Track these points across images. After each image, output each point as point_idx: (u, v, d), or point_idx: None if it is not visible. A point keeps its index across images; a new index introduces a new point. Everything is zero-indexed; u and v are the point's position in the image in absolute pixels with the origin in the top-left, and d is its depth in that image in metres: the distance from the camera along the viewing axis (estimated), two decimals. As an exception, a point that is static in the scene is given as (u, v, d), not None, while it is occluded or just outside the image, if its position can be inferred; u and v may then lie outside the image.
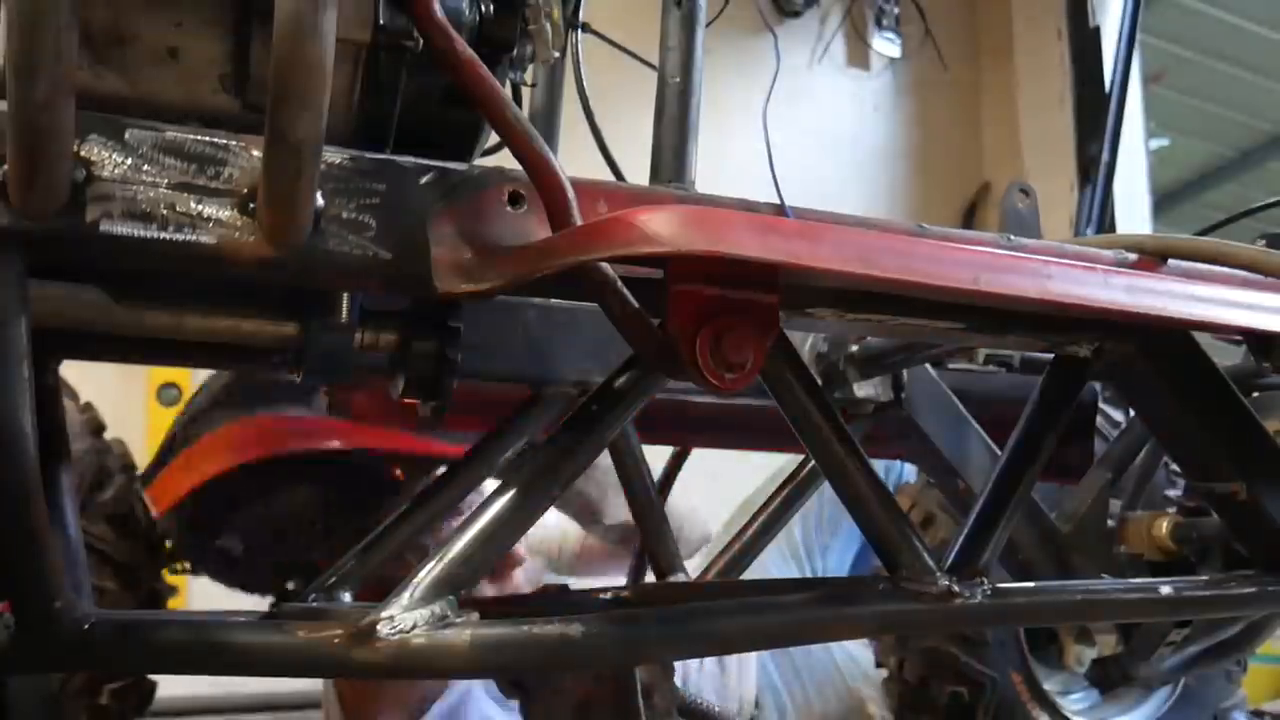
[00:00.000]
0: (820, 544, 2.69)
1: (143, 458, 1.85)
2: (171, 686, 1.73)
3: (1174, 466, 1.79)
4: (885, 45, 4.96)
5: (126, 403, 3.25)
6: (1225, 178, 7.78)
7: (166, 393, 3.40)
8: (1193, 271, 1.11)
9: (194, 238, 0.75)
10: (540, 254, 0.79)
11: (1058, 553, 1.57)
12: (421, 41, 0.82)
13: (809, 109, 4.66)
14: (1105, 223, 2.32)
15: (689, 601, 1.11)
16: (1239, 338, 1.19)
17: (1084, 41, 2.80)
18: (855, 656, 2.56)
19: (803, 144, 4.43)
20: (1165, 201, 7.48)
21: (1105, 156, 2.32)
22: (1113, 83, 2.35)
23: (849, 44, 4.94)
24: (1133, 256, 1.10)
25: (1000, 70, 5.17)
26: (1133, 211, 4.65)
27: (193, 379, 3.40)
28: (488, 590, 1.97)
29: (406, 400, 1.05)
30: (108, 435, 1.70)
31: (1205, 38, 6.15)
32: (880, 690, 2.41)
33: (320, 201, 0.77)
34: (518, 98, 1.11)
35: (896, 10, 4.98)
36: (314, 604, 1.23)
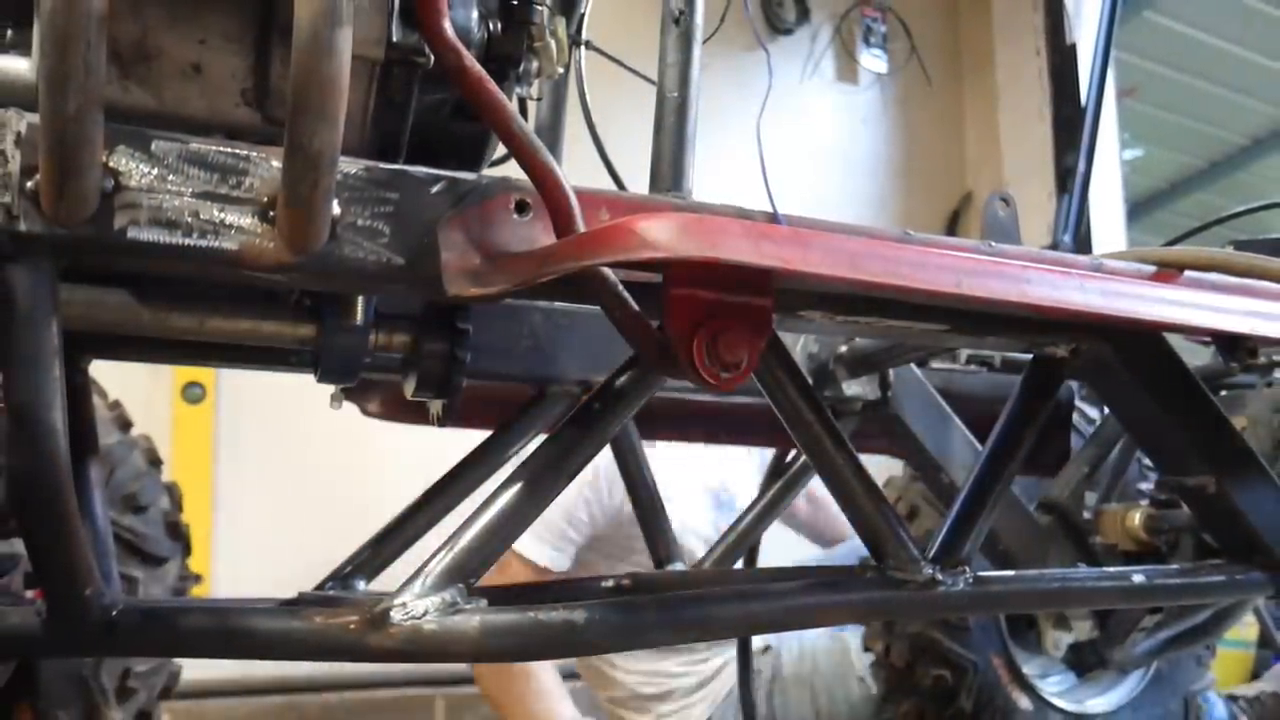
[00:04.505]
0: None
1: (168, 454, 1.85)
2: (190, 669, 1.73)
3: (1147, 461, 1.79)
4: (873, 61, 4.95)
5: (153, 401, 3.25)
6: (1196, 187, 7.78)
7: (191, 391, 3.40)
8: (1167, 277, 1.10)
9: (216, 244, 0.75)
10: (545, 259, 0.79)
11: (1036, 543, 1.58)
12: (432, 58, 0.83)
13: (800, 122, 4.65)
14: (1082, 230, 2.31)
15: (687, 589, 1.11)
16: (1208, 339, 1.19)
17: (1061, 58, 2.81)
18: None
19: (794, 155, 4.43)
20: (1139, 209, 7.49)
21: (1081, 167, 2.32)
22: (1088, 97, 2.35)
23: (838, 60, 4.94)
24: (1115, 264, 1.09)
25: (982, 85, 5.17)
26: (1108, 219, 4.64)
27: (217, 379, 3.40)
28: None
29: (418, 398, 1.05)
30: (135, 432, 1.70)
31: (1177, 54, 6.14)
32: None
33: (337, 209, 0.77)
34: (524, 111, 1.11)
35: (883, 28, 4.98)
36: (330, 592, 1.23)
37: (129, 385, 1.79)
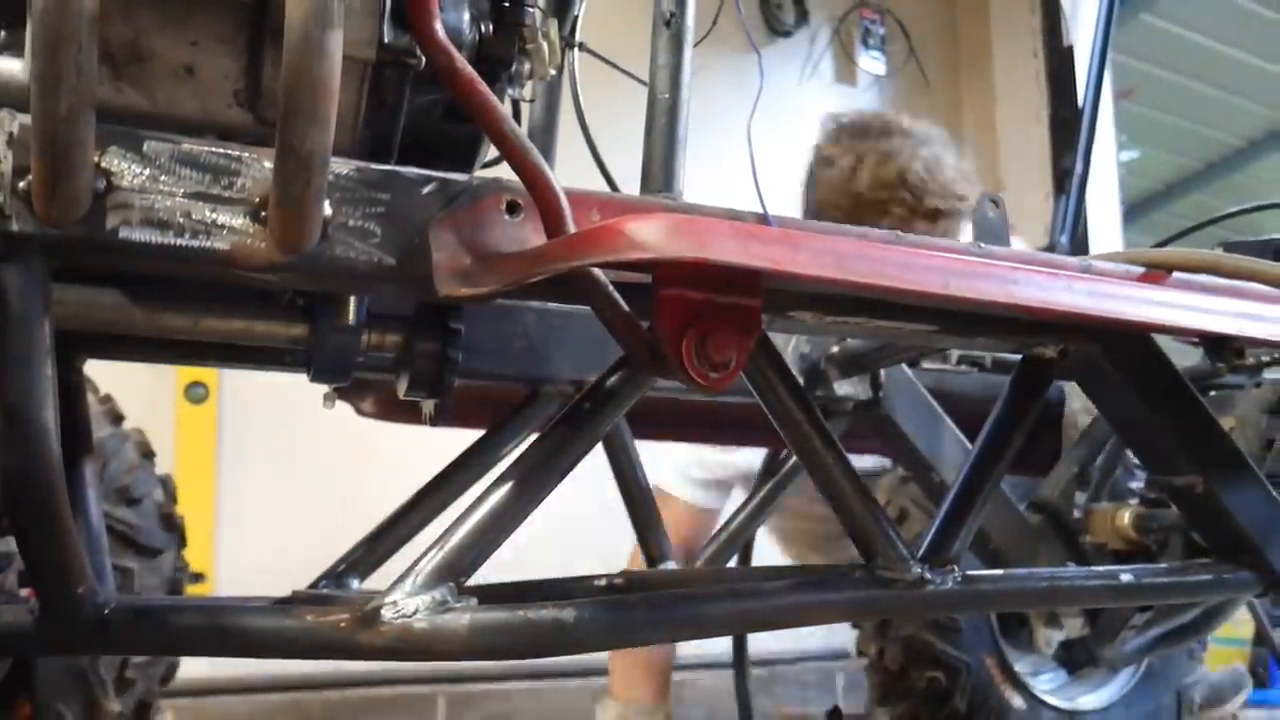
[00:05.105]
0: None
1: (172, 453, 1.85)
2: (192, 667, 1.73)
3: (1136, 461, 1.79)
4: (871, 63, 4.95)
5: (156, 400, 3.25)
6: (1192, 188, 7.77)
7: (194, 391, 3.39)
8: (1156, 279, 1.10)
9: (208, 244, 0.75)
10: (536, 260, 0.79)
11: (1026, 542, 1.58)
12: (424, 59, 0.83)
13: (799, 123, 4.63)
14: (1079, 231, 2.31)
15: (677, 588, 1.11)
16: (1196, 340, 1.19)
17: (1058, 60, 2.80)
18: None
19: (794, 157, 4.42)
20: (1136, 211, 7.48)
21: (1079, 168, 2.31)
22: (1085, 99, 2.35)
23: (837, 62, 4.93)
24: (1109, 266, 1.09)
25: (980, 87, 5.16)
26: (1105, 220, 4.64)
27: (219, 378, 3.40)
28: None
29: (410, 398, 1.06)
30: (129, 426, 1.70)
31: (1173, 56, 6.14)
32: None
33: (328, 210, 0.77)
34: (517, 113, 1.11)
35: (882, 30, 4.98)
36: (323, 590, 1.23)
37: (131, 385, 1.79)
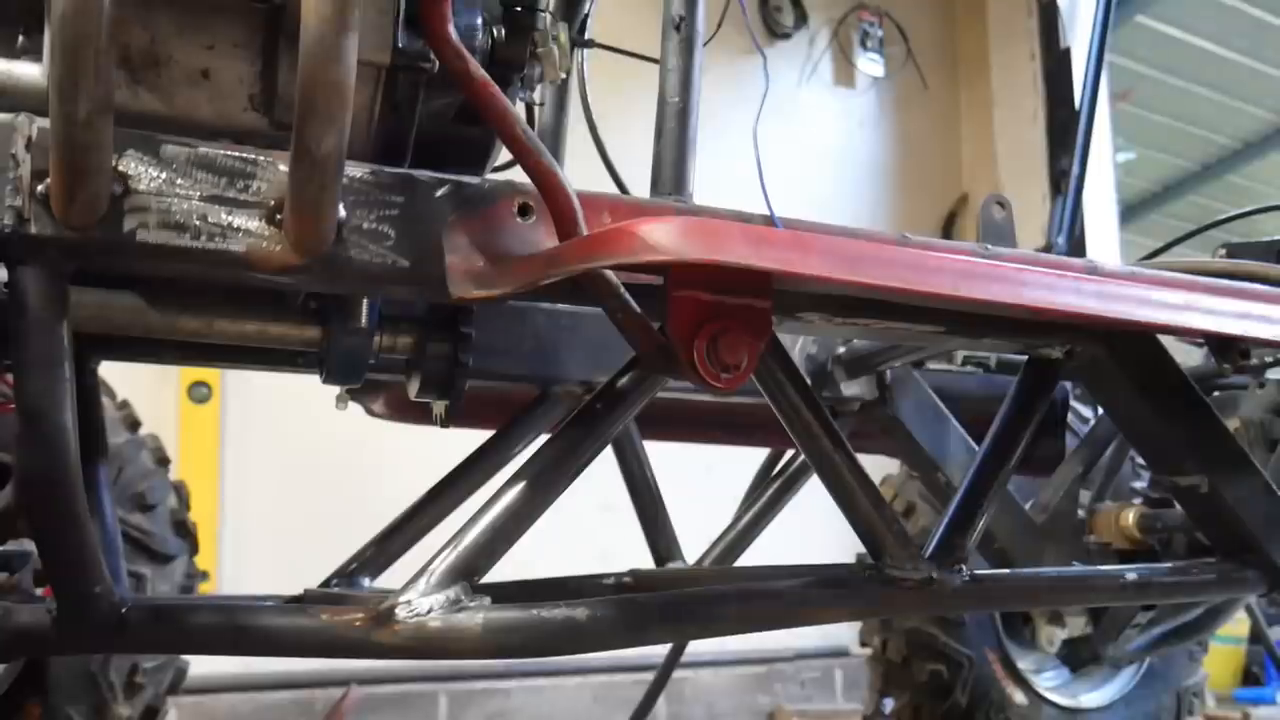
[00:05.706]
0: None
1: (175, 453, 1.86)
2: (197, 665, 1.73)
3: (1140, 461, 1.79)
4: (870, 65, 4.95)
5: (160, 400, 3.25)
6: (1187, 189, 7.78)
7: (197, 391, 3.39)
8: (1159, 279, 1.10)
9: (224, 246, 0.75)
10: (548, 262, 0.79)
11: (1031, 541, 1.58)
12: (437, 63, 0.83)
13: (798, 125, 4.65)
14: (1075, 232, 2.31)
15: (687, 587, 1.11)
16: (1201, 341, 1.19)
17: (1055, 62, 2.81)
18: None
19: (792, 158, 4.42)
20: (1132, 212, 7.48)
21: (1075, 169, 2.31)
22: (1082, 100, 2.35)
23: (836, 64, 4.94)
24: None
25: (977, 89, 5.17)
26: (1101, 221, 4.64)
27: (223, 378, 3.40)
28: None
29: (421, 399, 1.05)
30: (142, 431, 1.70)
31: (1169, 58, 6.14)
32: None
33: (343, 213, 0.77)
34: (529, 116, 1.11)
35: (880, 32, 4.98)
36: (336, 589, 1.23)
37: (135, 385, 1.79)
